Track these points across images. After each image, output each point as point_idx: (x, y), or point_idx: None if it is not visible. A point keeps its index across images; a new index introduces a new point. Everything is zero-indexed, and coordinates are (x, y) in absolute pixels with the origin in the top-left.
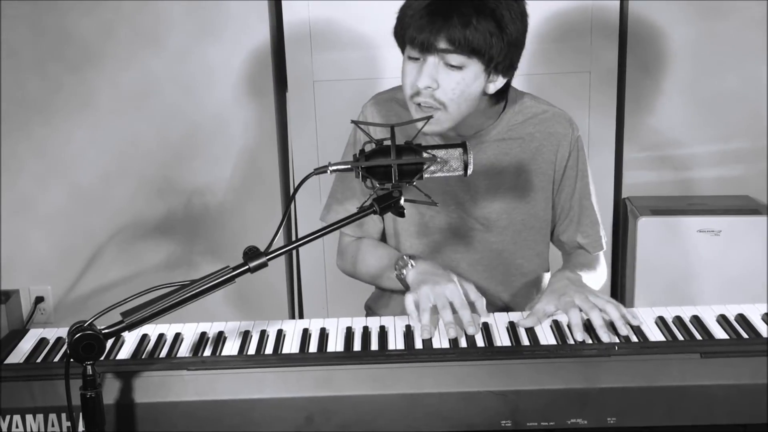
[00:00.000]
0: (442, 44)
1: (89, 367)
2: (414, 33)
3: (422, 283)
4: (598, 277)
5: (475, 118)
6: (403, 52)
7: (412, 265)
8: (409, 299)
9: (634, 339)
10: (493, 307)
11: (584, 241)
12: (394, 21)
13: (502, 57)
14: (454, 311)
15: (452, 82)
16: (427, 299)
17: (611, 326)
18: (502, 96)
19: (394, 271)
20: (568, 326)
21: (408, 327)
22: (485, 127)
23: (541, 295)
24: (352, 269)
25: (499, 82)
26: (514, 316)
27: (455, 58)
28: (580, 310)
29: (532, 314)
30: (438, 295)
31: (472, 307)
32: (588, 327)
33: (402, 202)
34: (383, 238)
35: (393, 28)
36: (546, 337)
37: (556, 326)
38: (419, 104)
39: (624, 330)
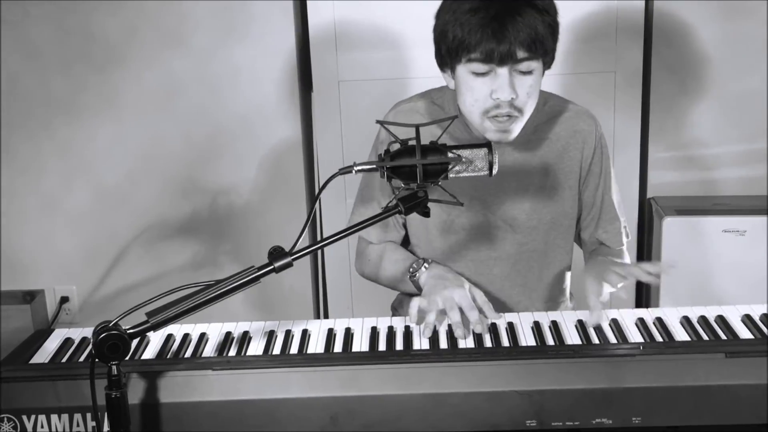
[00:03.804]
0: (520, 52)
1: (114, 367)
2: (491, 45)
3: (433, 288)
4: None
5: None
6: (451, 67)
7: (425, 267)
8: (414, 302)
9: (659, 338)
10: (518, 307)
11: (604, 236)
12: (439, 39)
13: (554, 51)
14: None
15: (526, 87)
16: (435, 304)
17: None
18: None
19: (408, 274)
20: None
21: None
22: None
23: (586, 285)
24: (371, 273)
25: (544, 77)
26: (539, 315)
27: (527, 64)
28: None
29: (593, 310)
30: (446, 299)
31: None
32: (614, 328)
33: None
34: (404, 244)
35: (443, 46)
36: (571, 336)
37: (581, 326)
38: (495, 116)
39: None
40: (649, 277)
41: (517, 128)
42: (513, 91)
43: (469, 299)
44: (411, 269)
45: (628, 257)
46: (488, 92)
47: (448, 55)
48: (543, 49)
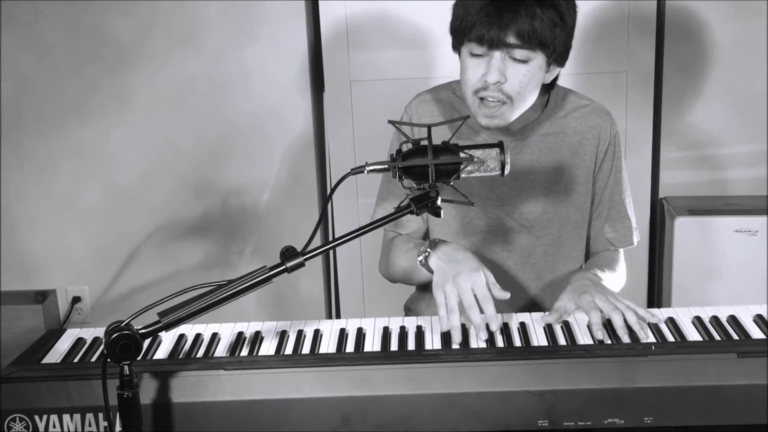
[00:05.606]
0: (511, 39)
1: (126, 367)
2: (482, 30)
3: (446, 272)
4: (618, 277)
5: (526, 111)
6: (458, 48)
7: (430, 250)
8: (438, 291)
9: (671, 338)
10: (537, 306)
11: (612, 235)
12: (451, 18)
13: (562, 47)
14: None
15: (519, 75)
16: (453, 295)
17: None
18: (549, 88)
19: (418, 258)
20: (588, 326)
21: None
22: (531, 121)
23: (562, 293)
24: (387, 267)
25: (554, 72)
26: (546, 317)
27: (522, 53)
28: (601, 312)
29: (554, 311)
30: (463, 291)
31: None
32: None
33: (439, 202)
34: (425, 238)
35: (450, 25)
36: (583, 336)
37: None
38: (483, 99)
39: (642, 335)
40: (622, 329)
41: (508, 115)
42: (502, 75)
43: (485, 288)
44: (420, 252)
45: (624, 265)
46: (481, 73)
47: (454, 35)
48: (539, 42)
